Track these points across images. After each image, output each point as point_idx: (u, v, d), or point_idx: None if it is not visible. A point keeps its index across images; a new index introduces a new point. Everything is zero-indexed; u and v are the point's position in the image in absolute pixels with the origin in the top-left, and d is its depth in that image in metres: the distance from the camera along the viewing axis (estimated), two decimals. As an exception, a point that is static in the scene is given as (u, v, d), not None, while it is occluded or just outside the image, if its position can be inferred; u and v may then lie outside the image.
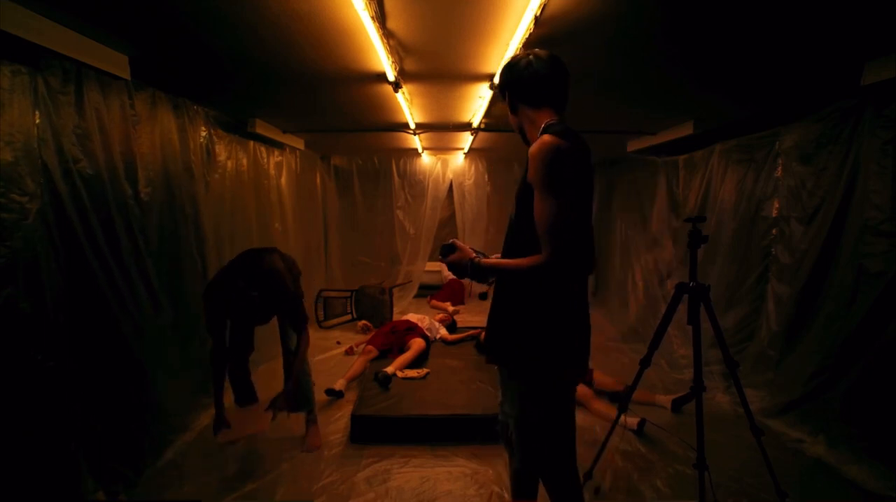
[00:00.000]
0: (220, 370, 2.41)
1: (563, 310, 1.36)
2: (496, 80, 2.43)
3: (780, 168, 3.05)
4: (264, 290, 2.38)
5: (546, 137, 1.26)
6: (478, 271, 1.37)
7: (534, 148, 1.26)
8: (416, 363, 3.47)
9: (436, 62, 2.31)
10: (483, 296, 5.63)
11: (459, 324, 4.66)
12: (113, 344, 2.21)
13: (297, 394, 2.58)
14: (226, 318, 2.42)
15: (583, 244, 1.34)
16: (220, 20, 1.79)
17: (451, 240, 1.47)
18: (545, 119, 1.37)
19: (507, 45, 2.00)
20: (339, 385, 3.24)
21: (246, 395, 2.74)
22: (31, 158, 1.83)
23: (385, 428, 2.67)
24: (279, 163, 4.35)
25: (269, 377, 3.19)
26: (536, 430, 1.41)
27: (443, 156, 6.02)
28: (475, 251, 1.43)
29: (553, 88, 1.38)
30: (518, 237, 1.35)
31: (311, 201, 5.41)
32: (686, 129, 3.54)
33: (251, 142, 3.76)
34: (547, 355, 1.35)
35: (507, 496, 2.19)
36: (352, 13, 1.67)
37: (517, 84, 1.40)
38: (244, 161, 3.64)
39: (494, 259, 1.42)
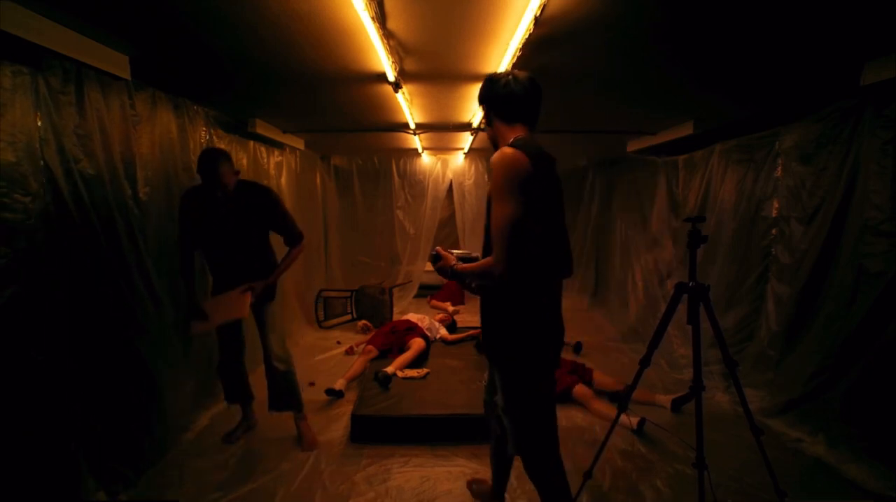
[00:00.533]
0: (189, 270, 2.41)
1: (533, 317, 1.46)
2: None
3: (779, 168, 3.05)
4: (255, 199, 2.38)
5: (506, 149, 1.35)
6: (456, 276, 1.52)
7: (494, 158, 1.36)
8: (416, 363, 3.47)
9: (436, 62, 2.31)
10: None
11: (459, 324, 4.66)
12: (114, 343, 2.21)
13: (285, 393, 2.57)
14: (200, 229, 2.36)
15: (548, 252, 1.44)
16: (220, 20, 1.79)
17: (435, 250, 1.60)
18: (515, 134, 1.47)
19: (507, 45, 2.00)
20: (339, 385, 3.24)
21: (240, 394, 2.72)
22: (33, 158, 1.83)
23: (385, 428, 2.68)
24: (279, 163, 4.35)
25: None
26: (519, 420, 1.54)
27: (443, 156, 6.02)
28: (461, 255, 1.56)
29: (527, 108, 1.49)
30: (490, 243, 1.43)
31: (311, 201, 5.41)
32: (686, 129, 3.54)
33: (251, 142, 3.76)
34: (520, 356, 1.47)
35: (507, 496, 2.19)
36: (352, 13, 1.67)
37: (494, 100, 1.51)
38: (244, 161, 3.64)
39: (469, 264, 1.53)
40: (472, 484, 2.20)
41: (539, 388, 1.50)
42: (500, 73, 1.52)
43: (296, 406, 2.63)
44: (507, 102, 1.48)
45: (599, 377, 3.30)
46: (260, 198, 2.43)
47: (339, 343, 4.54)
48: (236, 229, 2.38)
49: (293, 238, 2.51)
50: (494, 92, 1.50)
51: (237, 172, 2.37)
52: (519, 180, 1.32)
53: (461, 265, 1.52)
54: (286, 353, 2.59)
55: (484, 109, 1.56)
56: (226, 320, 2.40)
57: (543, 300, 1.47)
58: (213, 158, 2.26)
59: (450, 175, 6.16)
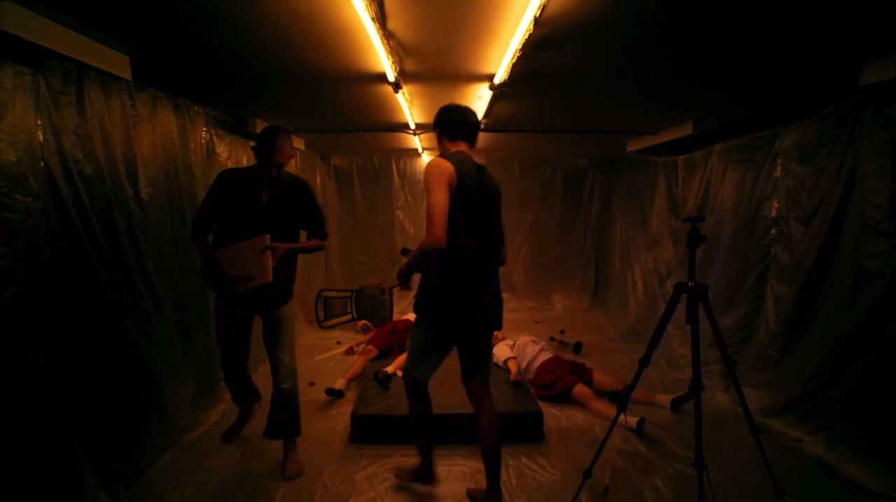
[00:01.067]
0: (206, 243, 2.24)
1: (435, 290, 1.90)
2: (496, 80, 2.44)
3: (779, 168, 3.05)
4: (294, 190, 2.32)
5: (434, 159, 1.82)
6: (403, 270, 1.96)
7: (426, 165, 1.81)
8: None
9: (436, 62, 2.31)
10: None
11: (459, 324, 4.65)
12: (114, 343, 2.21)
13: (290, 417, 2.40)
14: (229, 211, 2.20)
15: (460, 238, 1.82)
16: (220, 20, 1.79)
17: (404, 247, 2.07)
18: (457, 148, 1.94)
19: (507, 45, 2.01)
20: (339, 384, 3.24)
21: (247, 399, 2.68)
22: (34, 159, 1.83)
23: (385, 428, 2.67)
24: (279, 163, 4.35)
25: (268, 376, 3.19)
26: (409, 348, 2.07)
27: (443, 157, 6.02)
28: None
29: (467, 132, 1.98)
30: None
31: (312, 201, 5.40)
32: (685, 130, 3.54)
33: (251, 143, 3.76)
34: (423, 308, 1.95)
35: (507, 495, 2.19)
36: (352, 13, 1.67)
37: (444, 124, 1.99)
38: (244, 161, 3.63)
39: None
40: (470, 493, 2.21)
41: (421, 333, 1.98)
42: (451, 105, 2.01)
43: (296, 431, 2.44)
44: (454, 127, 1.97)
45: (599, 377, 3.30)
46: (300, 189, 2.35)
47: (339, 343, 4.54)
48: (269, 218, 2.20)
49: (320, 235, 2.42)
50: (447, 119, 1.98)
51: (293, 155, 2.29)
52: (442, 178, 1.76)
53: (409, 255, 1.93)
54: (295, 371, 2.39)
55: (437, 131, 2.01)
56: (248, 286, 2.16)
57: (468, 312, 1.90)
58: (275, 131, 2.20)
59: (450, 175, 6.15)
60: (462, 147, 1.96)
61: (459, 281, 1.87)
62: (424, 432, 2.20)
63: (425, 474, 2.23)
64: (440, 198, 1.74)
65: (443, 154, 1.95)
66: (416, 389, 2.08)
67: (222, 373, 2.60)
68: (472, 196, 1.84)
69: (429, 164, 1.81)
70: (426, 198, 1.77)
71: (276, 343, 2.33)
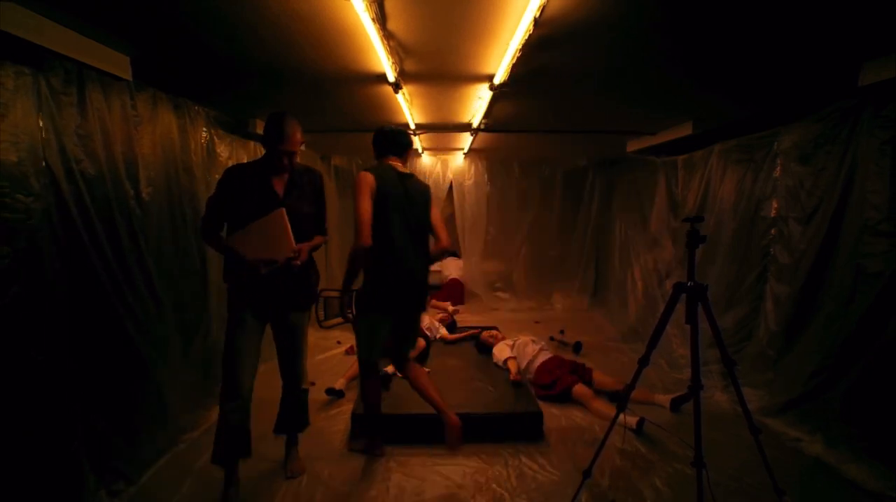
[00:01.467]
0: (219, 238, 2.13)
1: (371, 280, 2.24)
2: (496, 80, 2.45)
3: (778, 168, 3.06)
4: (309, 176, 2.20)
5: (359, 172, 2.17)
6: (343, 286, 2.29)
7: (355, 177, 2.17)
8: (416, 362, 3.47)
9: (436, 63, 2.31)
10: None
11: (459, 324, 4.67)
12: (114, 343, 2.22)
13: (301, 414, 2.42)
14: (236, 202, 2.04)
15: (387, 234, 2.16)
16: (220, 20, 1.79)
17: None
18: (388, 162, 2.29)
19: (507, 45, 2.01)
20: (339, 384, 3.25)
21: (240, 444, 2.17)
22: (35, 159, 1.83)
23: (385, 428, 2.67)
24: (279, 164, 4.35)
25: (269, 376, 3.19)
26: (356, 332, 2.42)
27: (443, 157, 6.02)
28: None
29: (394, 150, 2.33)
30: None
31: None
32: (685, 130, 3.55)
33: (251, 143, 3.76)
34: (360, 299, 2.28)
35: (506, 495, 2.20)
36: (352, 14, 1.67)
37: (376, 142, 2.35)
38: (245, 161, 3.64)
39: None
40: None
41: (367, 320, 2.32)
42: (381, 128, 2.34)
43: (305, 424, 2.46)
44: (382, 146, 2.33)
45: (599, 377, 3.30)
46: (314, 178, 2.23)
47: (339, 343, 4.55)
48: (289, 209, 2.04)
49: (322, 231, 2.31)
50: (376, 140, 2.34)
51: (304, 142, 2.16)
52: (364, 188, 2.10)
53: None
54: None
55: (373, 146, 2.35)
56: (270, 268, 2.01)
57: (387, 263, 2.21)
58: (282, 116, 2.06)
59: (450, 175, 6.16)
60: (394, 162, 2.31)
61: (386, 269, 2.20)
62: (376, 413, 2.51)
63: (376, 448, 2.55)
64: (363, 206, 2.08)
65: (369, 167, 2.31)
66: (373, 370, 2.43)
67: (220, 413, 2.13)
68: (392, 200, 2.17)
69: (356, 176, 2.14)
70: (354, 204, 2.10)
71: (298, 347, 2.28)
